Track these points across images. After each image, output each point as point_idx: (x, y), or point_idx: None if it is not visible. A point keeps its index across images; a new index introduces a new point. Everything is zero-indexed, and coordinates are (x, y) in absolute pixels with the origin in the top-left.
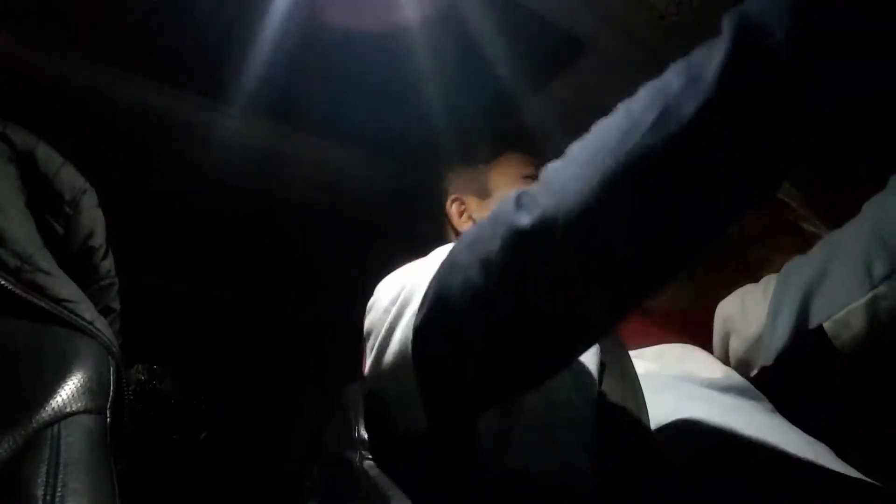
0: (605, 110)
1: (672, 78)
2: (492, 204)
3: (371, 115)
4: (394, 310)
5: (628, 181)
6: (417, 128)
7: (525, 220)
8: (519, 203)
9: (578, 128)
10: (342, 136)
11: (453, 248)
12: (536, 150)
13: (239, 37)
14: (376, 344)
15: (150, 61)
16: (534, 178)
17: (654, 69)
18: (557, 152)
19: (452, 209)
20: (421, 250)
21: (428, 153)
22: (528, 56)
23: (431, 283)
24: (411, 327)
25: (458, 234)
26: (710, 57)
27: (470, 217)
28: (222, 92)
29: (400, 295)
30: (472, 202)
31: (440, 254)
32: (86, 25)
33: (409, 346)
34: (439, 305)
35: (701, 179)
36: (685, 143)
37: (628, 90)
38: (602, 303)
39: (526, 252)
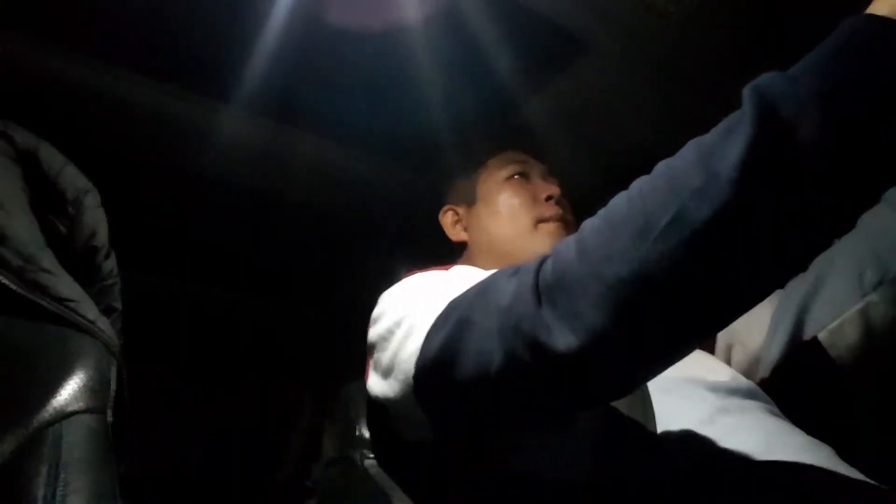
0: (604, 109)
1: (690, 166)
2: (480, 210)
3: (371, 114)
4: (398, 333)
5: (641, 290)
6: (416, 127)
7: (553, 348)
8: (539, 300)
9: (578, 127)
10: (343, 136)
11: (470, 300)
12: (525, 143)
13: (241, 36)
14: (381, 363)
15: (152, 61)
16: (521, 175)
17: (653, 68)
18: (558, 152)
19: (445, 219)
20: (420, 250)
21: (426, 153)
22: (529, 55)
23: (441, 324)
24: (413, 364)
25: (454, 242)
26: (729, 147)
27: (463, 227)
28: (223, 91)
29: (404, 319)
30: (462, 211)
31: (449, 282)
32: (87, 25)
33: (412, 383)
34: (447, 359)
35: (711, 286)
36: (699, 251)
37: (627, 89)
38: (623, 391)
39: (548, 371)
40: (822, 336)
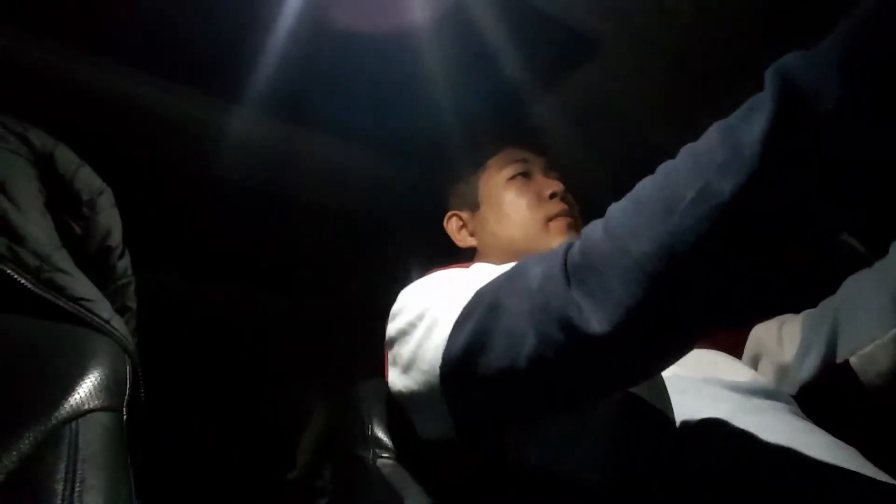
0: (615, 109)
1: (713, 145)
2: (485, 214)
3: (380, 114)
4: (421, 326)
5: (667, 265)
6: (426, 127)
7: (584, 326)
8: (568, 280)
9: (589, 128)
10: (351, 135)
11: (499, 286)
12: (523, 139)
13: (250, 36)
14: (402, 357)
15: (164, 62)
16: (523, 174)
17: (665, 67)
18: (569, 153)
19: (450, 226)
20: (432, 249)
21: (437, 153)
22: (539, 56)
23: (470, 313)
24: (440, 354)
25: (461, 248)
26: (752, 123)
27: (469, 232)
28: (232, 91)
29: (428, 311)
30: (466, 216)
31: (472, 276)
32: (98, 27)
33: (438, 372)
34: (477, 346)
35: (736, 260)
36: (724, 224)
37: (639, 88)
38: (654, 369)
39: (580, 350)
40: (853, 360)
